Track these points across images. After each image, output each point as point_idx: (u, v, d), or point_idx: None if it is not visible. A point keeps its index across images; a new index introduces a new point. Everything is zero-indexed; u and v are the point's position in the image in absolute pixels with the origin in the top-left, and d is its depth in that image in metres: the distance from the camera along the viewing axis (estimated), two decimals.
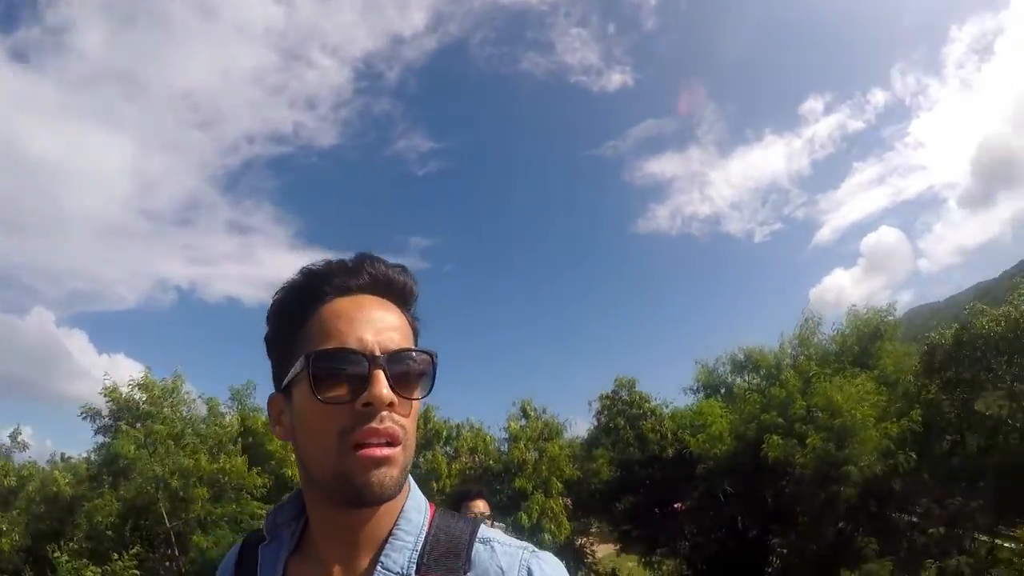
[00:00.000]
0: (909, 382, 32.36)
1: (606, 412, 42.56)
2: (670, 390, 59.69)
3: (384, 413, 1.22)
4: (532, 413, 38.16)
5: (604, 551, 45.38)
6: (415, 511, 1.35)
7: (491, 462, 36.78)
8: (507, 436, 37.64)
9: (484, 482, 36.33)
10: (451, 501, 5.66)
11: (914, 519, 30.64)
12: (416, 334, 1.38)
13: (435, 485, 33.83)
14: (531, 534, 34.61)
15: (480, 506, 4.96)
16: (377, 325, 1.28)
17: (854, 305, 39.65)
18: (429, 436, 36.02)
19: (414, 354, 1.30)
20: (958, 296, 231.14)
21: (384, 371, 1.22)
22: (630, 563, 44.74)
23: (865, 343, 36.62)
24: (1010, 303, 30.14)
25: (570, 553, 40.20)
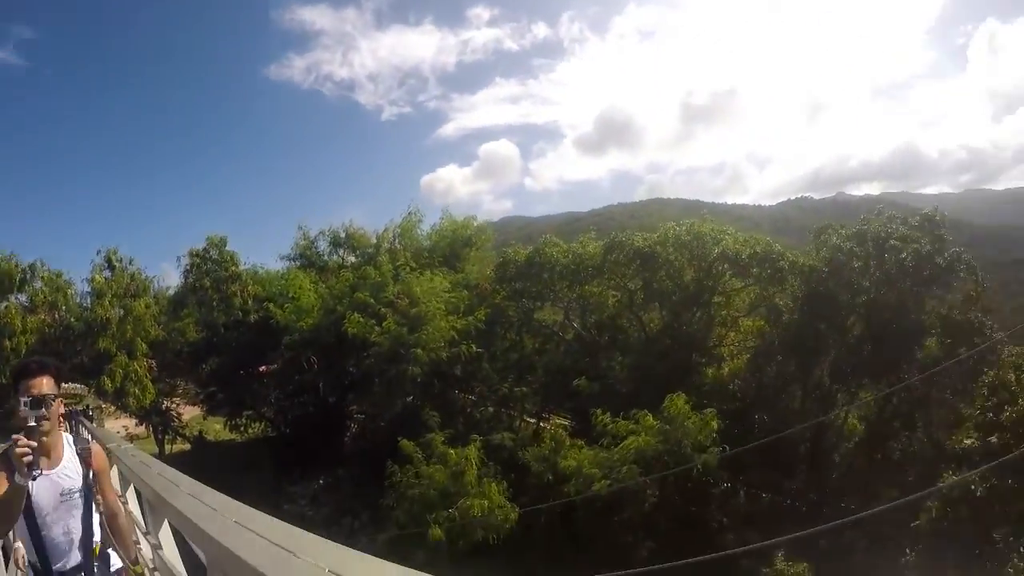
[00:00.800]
0: (484, 288, 36.78)
1: (195, 271, 41.62)
2: (269, 254, 57.58)
3: None
4: (118, 265, 36.51)
5: (191, 414, 45.07)
6: None
7: (73, 320, 34.64)
8: (91, 290, 35.59)
9: (65, 342, 34.22)
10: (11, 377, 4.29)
11: (473, 398, 35.67)
12: None
13: (8, 344, 31.24)
14: (116, 398, 33.71)
15: (44, 384, 3.85)
16: None
17: (447, 210, 44.93)
18: None
19: None
20: (551, 217, 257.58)
21: None
22: (217, 425, 45.01)
23: (457, 247, 40.99)
24: (580, 242, 36.19)
25: (156, 416, 39.68)
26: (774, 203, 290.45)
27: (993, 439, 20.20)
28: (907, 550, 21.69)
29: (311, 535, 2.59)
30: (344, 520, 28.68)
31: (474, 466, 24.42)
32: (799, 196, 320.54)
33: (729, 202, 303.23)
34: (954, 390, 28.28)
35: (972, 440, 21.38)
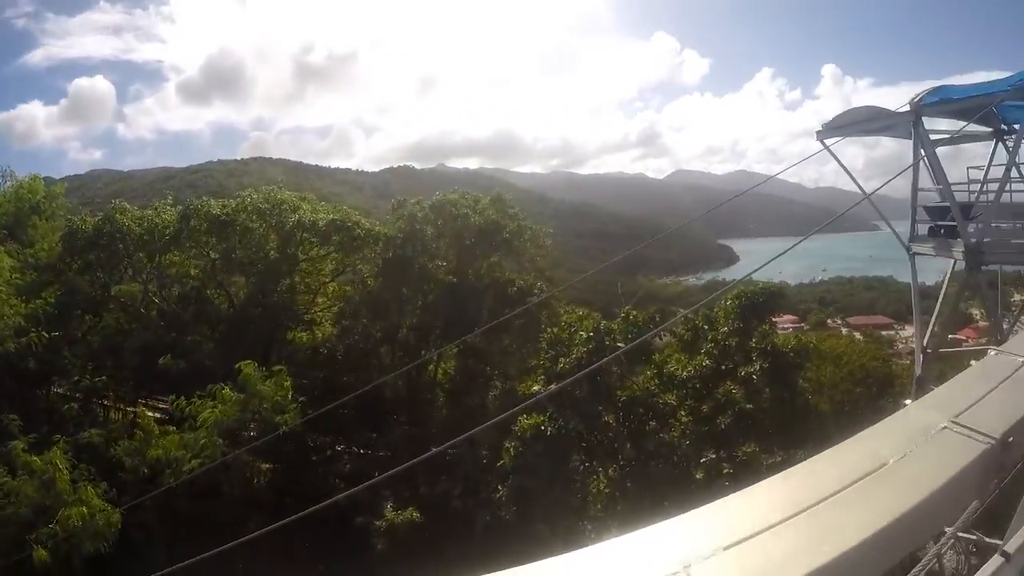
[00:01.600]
0: (56, 264, 33.06)
1: None
2: None
3: None
4: None
5: None
6: None
7: None
8: None
9: None
10: None
11: (60, 391, 32.57)
12: None
13: None
14: None
15: None
16: None
17: (9, 168, 39.07)
18: None
19: None
20: (144, 171, 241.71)
21: None
22: None
23: (23, 216, 35.97)
24: (154, 209, 34.36)
25: None
26: (378, 169, 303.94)
27: (553, 386, 23.24)
28: (498, 487, 24.67)
29: None
30: None
31: (64, 471, 22.72)
32: (402, 164, 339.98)
33: (334, 165, 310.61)
34: (524, 343, 32.26)
35: (539, 386, 24.38)
